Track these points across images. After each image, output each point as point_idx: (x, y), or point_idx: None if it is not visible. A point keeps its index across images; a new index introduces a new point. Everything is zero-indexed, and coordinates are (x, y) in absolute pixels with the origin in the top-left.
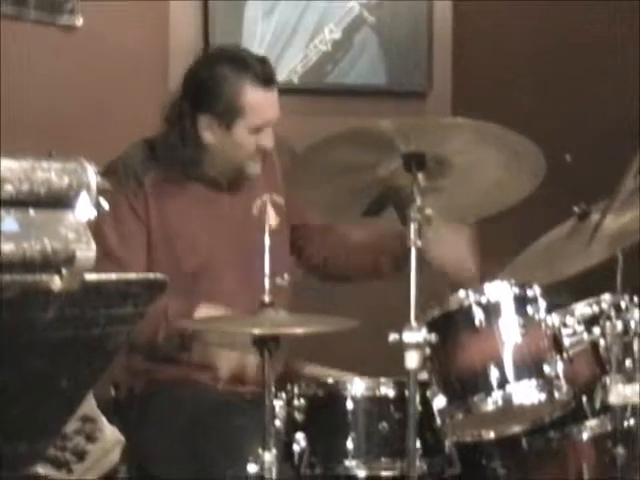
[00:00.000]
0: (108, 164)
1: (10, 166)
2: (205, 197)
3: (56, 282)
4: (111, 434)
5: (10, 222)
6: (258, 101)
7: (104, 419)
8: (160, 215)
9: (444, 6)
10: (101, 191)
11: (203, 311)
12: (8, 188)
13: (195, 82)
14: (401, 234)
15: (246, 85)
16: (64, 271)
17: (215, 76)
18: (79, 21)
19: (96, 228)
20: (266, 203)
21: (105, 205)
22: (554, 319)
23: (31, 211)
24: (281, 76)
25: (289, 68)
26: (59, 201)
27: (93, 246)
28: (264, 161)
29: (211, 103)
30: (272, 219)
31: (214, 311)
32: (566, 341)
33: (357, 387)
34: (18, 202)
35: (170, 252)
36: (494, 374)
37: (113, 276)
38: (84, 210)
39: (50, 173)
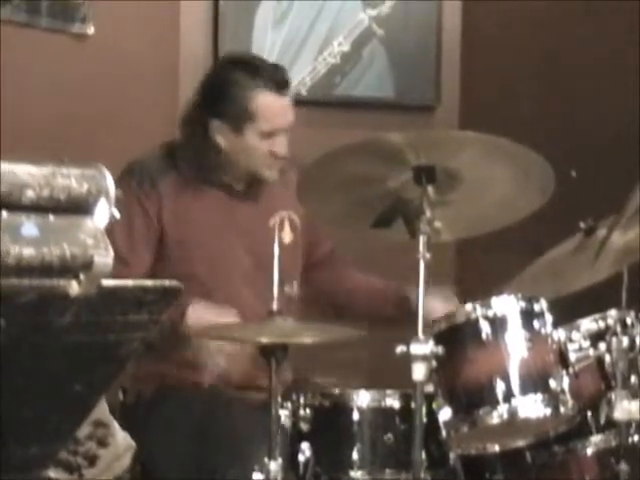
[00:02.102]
0: (126, 165)
1: (31, 172)
2: (222, 204)
3: (74, 287)
4: (122, 439)
5: (30, 227)
6: (269, 106)
7: (116, 424)
8: (175, 218)
9: (453, 20)
10: (117, 199)
11: (195, 312)
12: (29, 193)
13: (207, 86)
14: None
15: (257, 89)
16: (82, 276)
17: (226, 80)
18: (91, 29)
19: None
20: (284, 220)
21: (117, 214)
22: (560, 334)
23: (51, 216)
24: None
25: (297, 80)
26: (78, 207)
27: (111, 252)
28: (283, 177)
29: (222, 107)
30: (287, 235)
31: (206, 311)
32: (572, 356)
33: (363, 398)
34: (38, 207)
35: (184, 255)
36: (500, 387)
37: (129, 282)
38: (102, 216)
39: (70, 179)
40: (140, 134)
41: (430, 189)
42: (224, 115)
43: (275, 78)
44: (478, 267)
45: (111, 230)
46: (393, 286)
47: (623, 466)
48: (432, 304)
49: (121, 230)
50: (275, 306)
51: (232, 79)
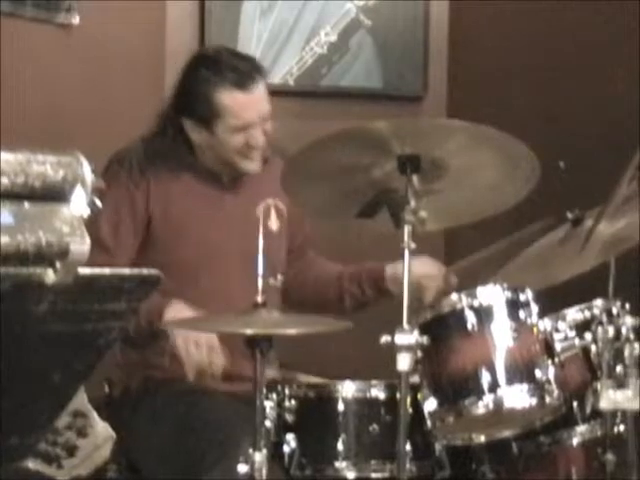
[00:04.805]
0: (114, 154)
1: (6, 158)
2: (208, 193)
3: (50, 275)
4: (102, 430)
5: (5, 215)
6: (234, 103)
7: (95, 414)
8: (163, 206)
9: (440, 10)
10: (95, 189)
11: (173, 311)
12: (3, 181)
13: (177, 86)
14: (371, 278)
15: (220, 86)
16: (58, 264)
17: (192, 79)
18: (76, 20)
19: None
20: (270, 207)
21: (99, 203)
22: (546, 324)
23: (26, 204)
24: (276, 78)
25: (285, 70)
26: (54, 194)
27: (87, 240)
28: (267, 164)
29: (190, 106)
30: (273, 223)
31: (184, 312)
32: (558, 346)
33: (348, 389)
34: (13, 195)
35: (171, 244)
36: (485, 378)
37: (107, 271)
38: (79, 204)
39: (45, 166)
40: (125, 126)
41: (415, 178)
42: (193, 113)
43: (239, 73)
44: (464, 257)
45: (96, 219)
46: (366, 267)
47: (609, 456)
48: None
49: (107, 219)
50: (259, 298)
51: (196, 77)
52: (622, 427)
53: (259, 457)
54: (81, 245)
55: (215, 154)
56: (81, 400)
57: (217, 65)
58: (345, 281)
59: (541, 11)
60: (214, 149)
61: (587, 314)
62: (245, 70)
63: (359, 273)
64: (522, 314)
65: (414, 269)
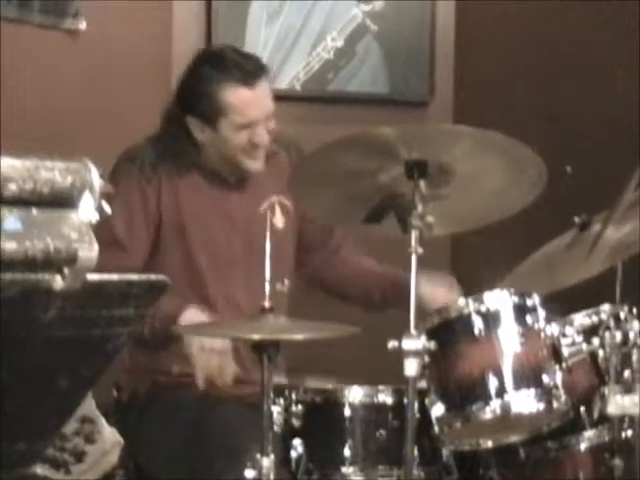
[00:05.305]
0: (125, 150)
1: (14, 165)
2: (214, 193)
3: (58, 281)
4: (110, 435)
5: (13, 221)
6: (239, 100)
7: (103, 420)
8: (173, 205)
9: (447, 15)
10: (104, 194)
11: (189, 315)
12: (12, 187)
13: (181, 84)
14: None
15: (224, 84)
16: (66, 271)
17: (196, 77)
18: (83, 25)
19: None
20: (274, 204)
21: (107, 209)
22: (553, 329)
23: (34, 210)
24: (283, 83)
25: (291, 75)
26: (62, 201)
27: (95, 246)
28: (272, 161)
29: (194, 104)
30: (279, 221)
31: (200, 317)
32: (565, 351)
33: (355, 394)
34: (21, 201)
35: (182, 244)
36: (493, 383)
37: (114, 277)
38: (87, 210)
39: (54, 173)
40: (132, 130)
41: (422, 184)
42: (197, 112)
43: (243, 70)
44: (472, 262)
45: (110, 217)
46: (391, 273)
47: (617, 461)
48: (434, 292)
49: (120, 217)
50: (267, 303)
51: (200, 75)
52: (630, 432)
53: (266, 462)
54: (89, 251)
55: (219, 153)
56: (89, 406)
57: (222, 62)
58: (370, 282)
59: (548, 15)
60: (218, 147)
61: (594, 319)
62: (250, 67)
63: (384, 281)
64: (529, 319)
65: (437, 296)
